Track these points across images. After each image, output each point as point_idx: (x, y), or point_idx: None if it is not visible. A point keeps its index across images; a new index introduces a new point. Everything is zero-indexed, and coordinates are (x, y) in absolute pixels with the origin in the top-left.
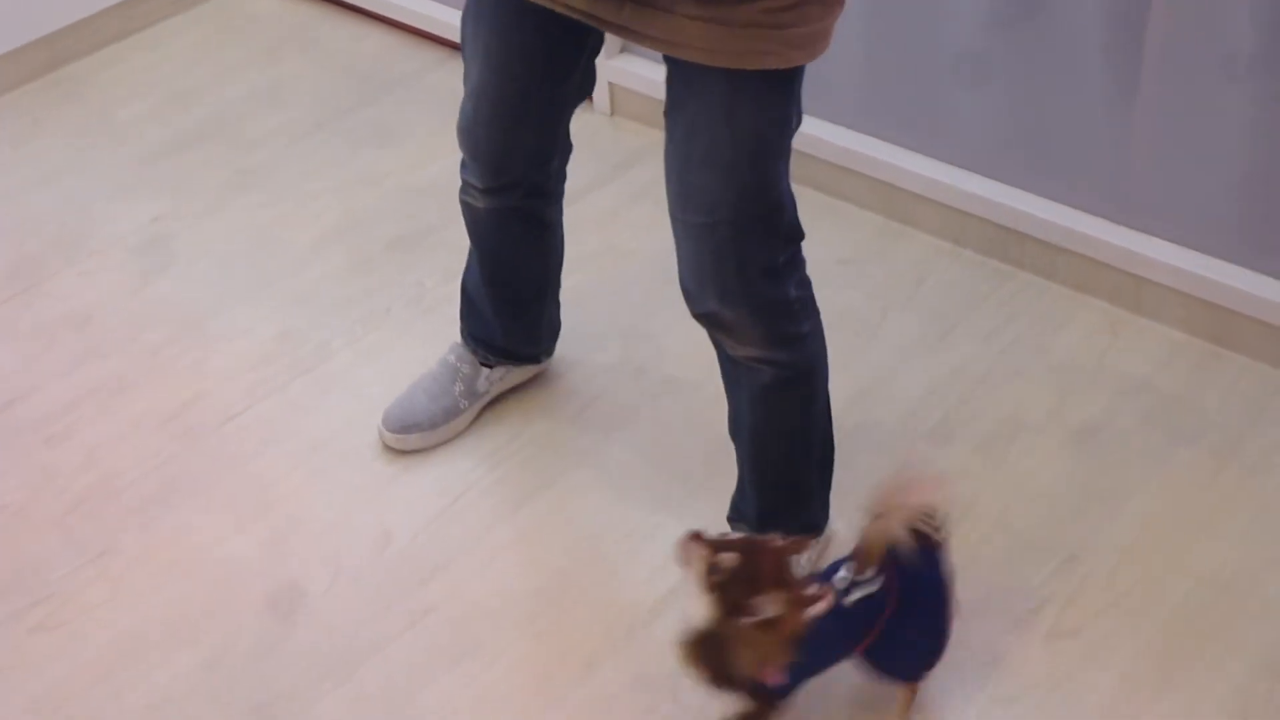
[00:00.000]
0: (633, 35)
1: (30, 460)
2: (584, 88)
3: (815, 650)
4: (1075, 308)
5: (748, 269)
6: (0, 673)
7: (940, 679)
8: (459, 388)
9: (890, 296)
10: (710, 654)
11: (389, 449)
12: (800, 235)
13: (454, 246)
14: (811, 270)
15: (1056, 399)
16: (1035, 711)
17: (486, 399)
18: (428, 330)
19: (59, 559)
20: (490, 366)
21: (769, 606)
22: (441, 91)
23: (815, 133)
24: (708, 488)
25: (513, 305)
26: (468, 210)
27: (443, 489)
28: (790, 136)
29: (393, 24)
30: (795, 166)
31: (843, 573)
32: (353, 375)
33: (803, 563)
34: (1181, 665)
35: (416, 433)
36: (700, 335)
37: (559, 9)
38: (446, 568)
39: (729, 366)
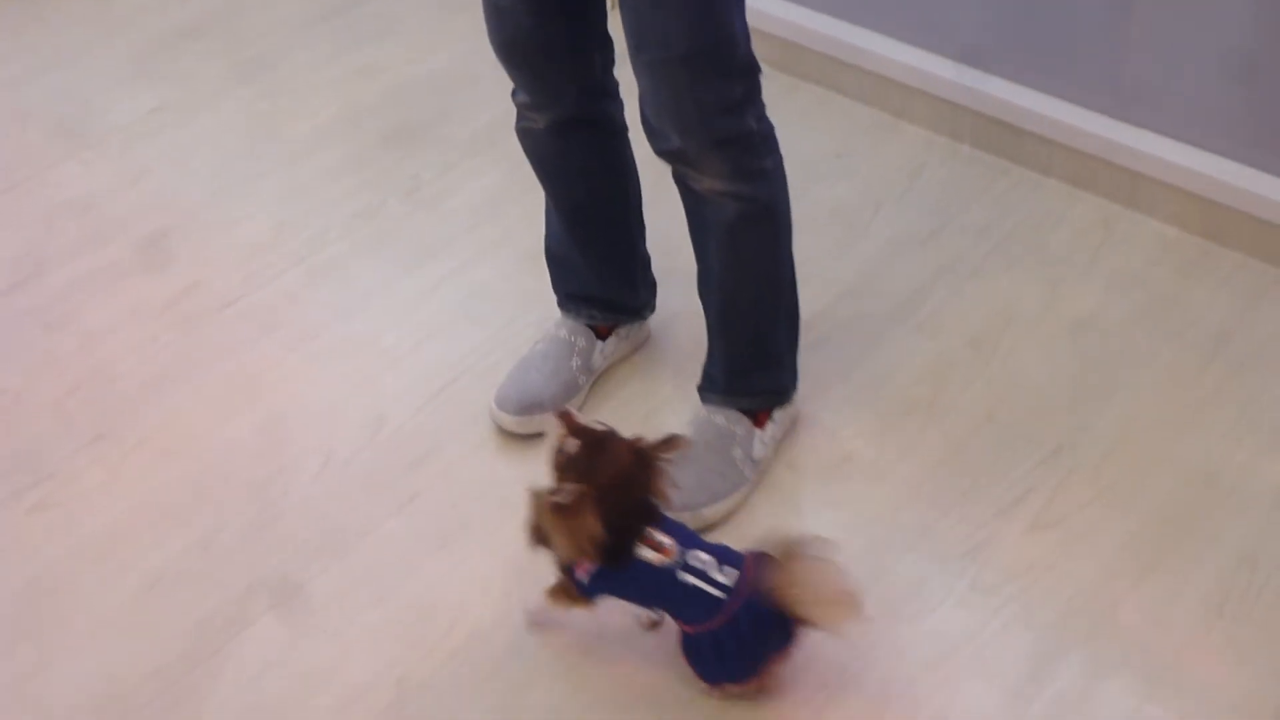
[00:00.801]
0: None
1: (29, 346)
2: None
3: (629, 582)
4: (1070, 203)
5: (704, 103)
6: None
7: (920, 568)
8: (576, 362)
9: (883, 191)
10: (535, 517)
11: (509, 433)
12: (756, 69)
13: (451, 141)
14: (804, 163)
15: (1049, 294)
16: (1013, 601)
17: (597, 374)
18: (422, 223)
19: (57, 442)
20: (602, 338)
21: (565, 494)
22: None
23: (810, 25)
24: (696, 370)
25: (602, 241)
26: (529, 140)
27: (435, 375)
28: None
29: None
30: (789, 58)
31: (707, 558)
32: (347, 266)
33: (761, 439)
34: (1162, 556)
35: (540, 413)
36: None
37: None
38: (436, 453)
39: (695, 207)
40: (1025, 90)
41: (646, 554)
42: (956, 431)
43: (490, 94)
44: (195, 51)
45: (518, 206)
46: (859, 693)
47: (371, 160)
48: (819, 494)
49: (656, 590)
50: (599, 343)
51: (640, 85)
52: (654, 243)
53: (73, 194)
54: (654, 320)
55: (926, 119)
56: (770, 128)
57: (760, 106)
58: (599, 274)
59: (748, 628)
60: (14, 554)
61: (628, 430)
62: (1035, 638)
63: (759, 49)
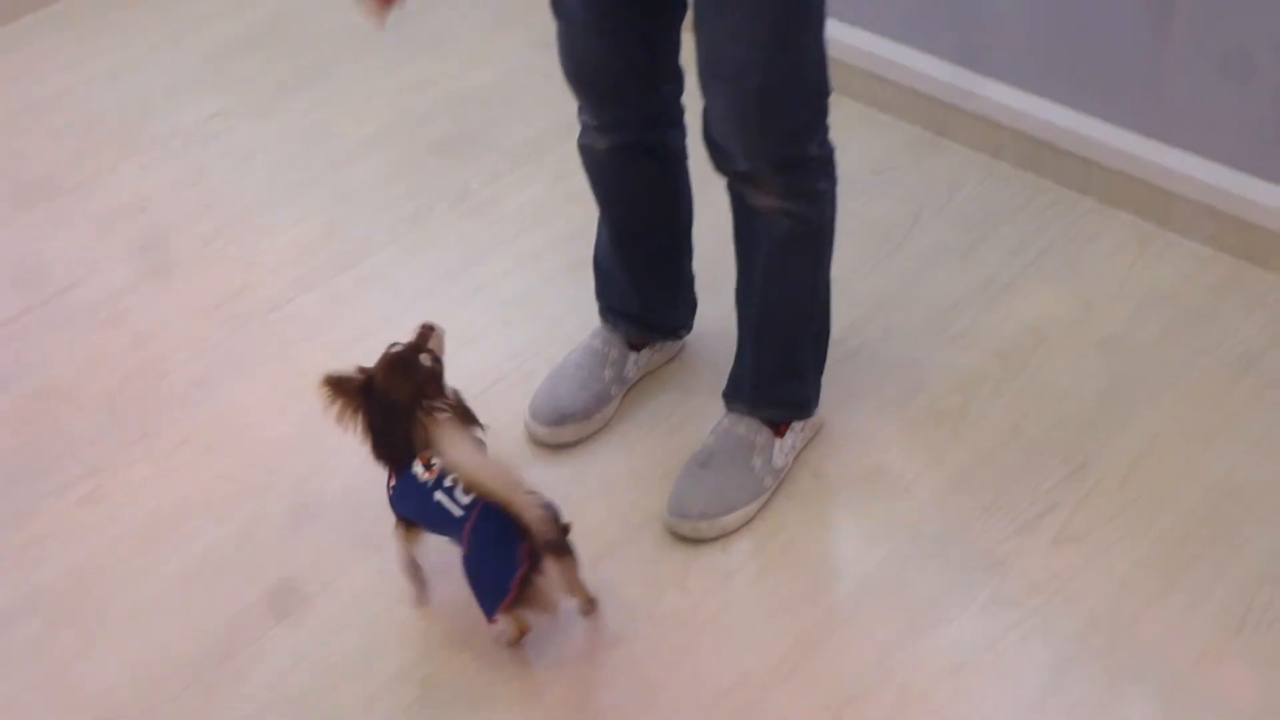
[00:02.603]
0: None
1: (83, 343)
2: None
3: (412, 501)
4: (1105, 221)
5: (771, 129)
6: (43, 541)
7: (942, 579)
8: (609, 373)
9: (922, 206)
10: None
11: (540, 444)
12: (826, 93)
13: (499, 152)
14: (845, 179)
15: (1081, 310)
16: (1034, 613)
17: (630, 385)
18: (470, 230)
19: (106, 437)
20: (636, 350)
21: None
22: None
23: (853, 42)
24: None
25: (648, 263)
26: (589, 156)
27: (474, 379)
28: (820, 4)
29: None
30: (832, 75)
31: (452, 484)
32: (395, 271)
33: (781, 448)
34: (1184, 571)
35: (571, 424)
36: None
37: None
38: None
39: (746, 220)
40: (1064, 109)
41: (418, 469)
42: (984, 444)
43: (537, 107)
44: (256, 59)
45: (562, 217)
46: (876, 700)
47: (421, 168)
48: (845, 503)
49: (423, 510)
50: (632, 354)
51: (707, 105)
52: (695, 256)
53: (131, 195)
54: (690, 331)
55: (966, 137)
56: (831, 151)
57: (824, 131)
58: (641, 293)
59: (485, 545)
60: (60, 543)
61: (658, 440)
62: (1054, 650)
63: None
